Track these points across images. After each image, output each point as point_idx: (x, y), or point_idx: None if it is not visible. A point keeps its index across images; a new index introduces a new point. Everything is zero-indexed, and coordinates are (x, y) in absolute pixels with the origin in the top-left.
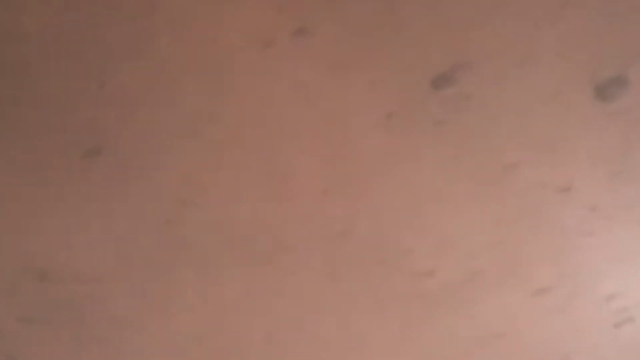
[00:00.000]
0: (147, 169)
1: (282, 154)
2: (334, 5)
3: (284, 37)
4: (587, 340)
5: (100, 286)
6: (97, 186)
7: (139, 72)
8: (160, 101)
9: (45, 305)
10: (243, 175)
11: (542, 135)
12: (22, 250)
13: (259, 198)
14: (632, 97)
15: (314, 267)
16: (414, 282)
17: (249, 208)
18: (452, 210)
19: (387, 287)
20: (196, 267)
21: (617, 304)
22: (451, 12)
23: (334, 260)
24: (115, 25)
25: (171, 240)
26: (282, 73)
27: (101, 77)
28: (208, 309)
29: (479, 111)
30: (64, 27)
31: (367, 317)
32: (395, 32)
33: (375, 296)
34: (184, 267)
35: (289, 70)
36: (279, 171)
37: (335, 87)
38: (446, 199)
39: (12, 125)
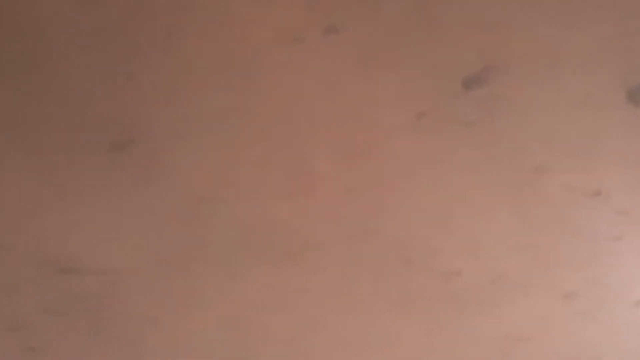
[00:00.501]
0: (172, 164)
1: (309, 151)
2: (365, 4)
3: (314, 34)
4: (617, 345)
5: (122, 280)
6: (122, 180)
7: (167, 67)
8: (187, 96)
9: (66, 298)
10: (269, 173)
11: (573, 139)
12: (46, 242)
13: (284, 196)
14: None
15: (338, 266)
16: (440, 282)
17: (273, 205)
18: (480, 212)
19: (412, 287)
20: (218, 264)
21: None
22: (484, 13)
23: (359, 259)
24: (145, 18)
25: (194, 237)
26: (311, 70)
27: (129, 71)
28: (228, 307)
29: (509, 113)
30: (92, 19)
31: (391, 316)
32: (426, 31)
33: (400, 295)
34: (206, 264)
35: (318, 68)
36: (304, 168)
37: (365, 85)
38: (474, 200)
39: (37, 117)
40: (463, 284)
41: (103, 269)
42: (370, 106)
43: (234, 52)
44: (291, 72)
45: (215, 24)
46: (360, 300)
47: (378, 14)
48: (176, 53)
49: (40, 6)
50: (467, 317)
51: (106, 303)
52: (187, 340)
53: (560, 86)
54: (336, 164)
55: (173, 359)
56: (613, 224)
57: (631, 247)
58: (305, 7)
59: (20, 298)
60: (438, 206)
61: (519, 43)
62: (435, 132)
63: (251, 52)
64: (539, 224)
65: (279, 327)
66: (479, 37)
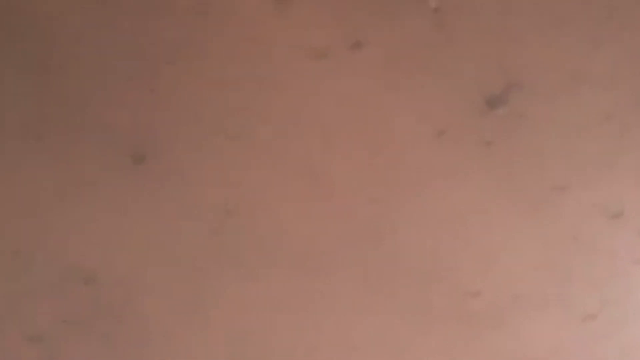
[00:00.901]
0: (193, 176)
1: (330, 164)
2: (391, 21)
3: (339, 49)
4: None
5: (141, 291)
6: (143, 192)
7: (190, 77)
8: (209, 110)
9: (88, 308)
10: (290, 187)
11: (594, 158)
12: (67, 252)
13: (305, 209)
14: None
15: (354, 277)
16: (457, 301)
17: (293, 217)
18: (498, 231)
19: (430, 304)
20: (236, 276)
21: None
22: (507, 32)
23: (374, 271)
24: (167, 33)
25: (215, 249)
26: (334, 85)
27: (151, 84)
28: (248, 320)
29: (530, 131)
30: (117, 28)
31: (406, 331)
32: (450, 49)
33: (416, 312)
34: (224, 275)
35: (342, 83)
36: (325, 182)
37: (387, 101)
38: (493, 218)
39: (60, 126)
40: (482, 302)
41: (123, 279)
42: (391, 121)
43: (258, 66)
44: (314, 87)
45: (239, 38)
46: (379, 317)
47: (402, 31)
48: (199, 67)
49: (66, 20)
50: (485, 336)
51: (126, 314)
52: (204, 350)
53: (582, 104)
54: (356, 178)
55: None
56: (634, 246)
57: None
58: (331, 22)
59: (40, 307)
60: (455, 223)
61: (541, 61)
62: (455, 150)
63: (275, 67)
64: (559, 244)
65: (296, 340)
66: (502, 55)
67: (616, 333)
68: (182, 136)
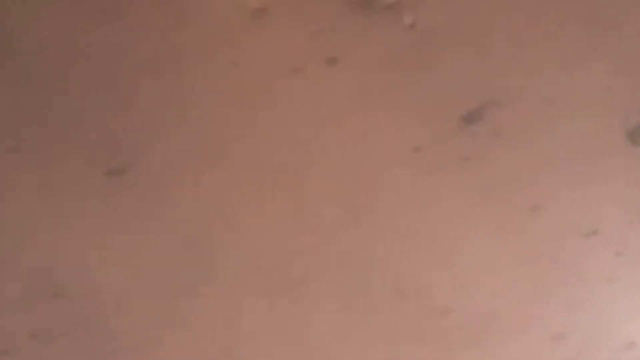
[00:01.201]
0: (169, 192)
1: (306, 180)
2: (366, 37)
3: (314, 65)
4: None
5: (115, 307)
6: (117, 206)
7: (166, 95)
8: (185, 125)
9: (58, 322)
10: (266, 201)
11: (570, 177)
12: (38, 265)
13: (279, 227)
14: None
15: (331, 296)
16: (431, 319)
17: (270, 234)
18: (473, 249)
19: (404, 322)
20: (211, 294)
21: (636, 352)
22: (483, 50)
23: (353, 292)
24: (143, 44)
25: (190, 264)
26: (310, 102)
27: (128, 98)
28: (221, 337)
29: (507, 149)
30: (91, 43)
31: (380, 350)
32: (427, 66)
33: (392, 330)
34: (205, 287)
35: (317, 99)
36: (301, 197)
37: (363, 118)
38: (468, 236)
39: (33, 139)
40: (454, 321)
41: (94, 294)
42: (368, 138)
43: (234, 81)
44: (290, 102)
45: (215, 52)
46: (353, 334)
47: (377, 47)
48: (175, 81)
49: (39, 30)
50: (457, 355)
51: (96, 329)
52: None
53: (559, 124)
54: (332, 196)
55: None
56: (608, 265)
57: (625, 288)
58: (306, 38)
59: (8, 321)
60: (430, 241)
61: (519, 79)
62: (432, 167)
63: (251, 82)
64: (533, 263)
65: (268, 355)
66: (479, 72)
67: (588, 352)
68: (158, 150)
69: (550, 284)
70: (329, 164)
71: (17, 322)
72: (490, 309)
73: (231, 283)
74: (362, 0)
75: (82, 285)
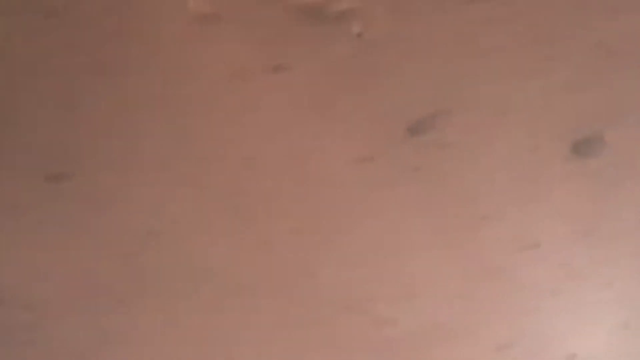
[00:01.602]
0: (110, 199)
1: (252, 191)
2: (313, 46)
3: (261, 72)
4: None
5: (57, 315)
6: (57, 212)
7: (107, 99)
8: (128, 130)
9: None
10: (211, 211)
11: (516, 189)
12: None
13: (222, 236)
14: (609, 158)
15: (274, 309)
16: (376, 330)
17: (212, 245)
18: (418, 260)
19: (347, 333)
20: (156, 302)
21: None
22: (433, 59)
23: (296, 303)
24: (86, 49)
25: (133, 273)
26: (257, 109)
27: (71, 100)
28: (166, 345)
29: (455, 160)
30: (33, 46)
31: None
32: (376, 76)
33: (335, 342)
34: (144, 301)
35: (265, 107)
36: (246, 208)
37: (311, 127)
38: (414, 247)
39: None
40: (399, 331)
41: (33, 303)
42: (315, 148)
43: (178, 87)
44: (235, 110)
45: (159, 57)
46: (296, 347)
47: (325, 55)
48: (120, 86)
49: None
50: None
51: (35, 339)
52: None
53: (506, 135)
54: (277, 207)
55: None
56: (551, 277)
57: (568, 301)
58: (254, 45)
59: None
60: (377, 252)
61: (468, 90)
62: (380, 177)
63: (196, 88)
64: (479, 274)
65: None
66: (428, 82)
67: None
68: (102, 157)
69: (495, 295)
70: (273, 174)
71: None
72: (435, 320)
73: (169, 296)
74: (311, 9)
75: (20, 295)
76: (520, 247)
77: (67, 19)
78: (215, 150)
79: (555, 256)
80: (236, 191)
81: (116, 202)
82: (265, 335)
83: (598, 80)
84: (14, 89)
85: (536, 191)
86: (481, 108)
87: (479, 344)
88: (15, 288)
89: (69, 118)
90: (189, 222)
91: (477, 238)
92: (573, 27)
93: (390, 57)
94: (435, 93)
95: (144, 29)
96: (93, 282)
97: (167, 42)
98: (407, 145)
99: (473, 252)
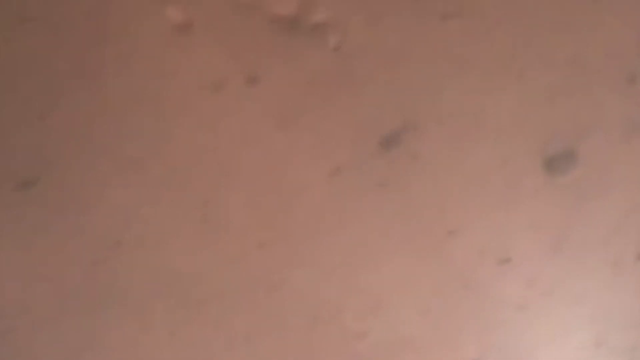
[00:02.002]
0: (81, 206)
1: (222, 200)
2: (288, 58)
3: (234, 83)
4: None
5: (21, 323)
6: (26, 220)
7: (82, 105)
8: (100, 137)
9: None
10: (180, 220)
11: (486, 203)
12: None
13: (194, 244)
14: (580, 172)
15: (243, 320)
16: (345, 343)
17: (182, 254)
18: (389, 273)
19: (316, 346)
20: (126, 310)
21: None
22: (405, 72)
23: (265, 314)
24: (59, 56)
25: (101, 281)
26: (230, 119)
27: (41, 108)
28: (134, 354)
29: (424, 174)
30: (5, 52)
31: None
32: (349, 88)
33: (303, 354)
34: (111, 310)
35: (237, 117)
36: (216, 217)
37: (282, 137)
38: (384, 260)
39: None
40: (368, 344)
41: (3, 310)
42: (286, 158)
43: (152, 93)
44: (209, 120)
45: (132, 64)
46: (264, 358)
47: (300, 68)
48: (93, 93)
49: None
50: None
51: (5, 346)
52: None
53: (477, 150)
54: (247, 217)
55: None
56: (520, 293)
57: (536, 316)
58: (229, 56)
59: None
60: (346, 265)
61: (438, 103)
62: (349, 189)
63: (169, 96)
64: (448, 288)
65: None
66: (399, 96)
67: None
68: (73, 163)
69: (464, 309)
70: (245, 184)
71: None
72: (403, 333)
73: (139, 303)
74: (287, 20)
75: None
76: (490, 261)
77: (44, 23)
78: (187, 158)
79: (525, 270)
80: (207, 200)
81: (84, 210)
82: (233, 347)
83: (571, 94)
84: None
85: (507, 205)
86: (453, 121)
87: (447, 357)
88: None
89: (40, 126)
90: (159, 230)
91: (446, 252)
92: (547, 42)
93: (365, 69)
94: (407, 106)
95: (120, 35)
96: (63, 290)
97: (143, 49)
98: (379, 158)
99: (442, 266)
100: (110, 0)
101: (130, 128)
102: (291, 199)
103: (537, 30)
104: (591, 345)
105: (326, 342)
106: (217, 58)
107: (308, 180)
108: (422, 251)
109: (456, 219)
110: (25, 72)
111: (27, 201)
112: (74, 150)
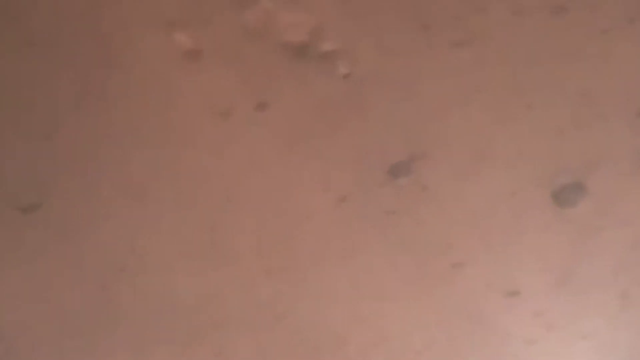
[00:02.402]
0: (84, 230)
1: (228, 227)
2: (298, 84)
3: (244, 109)
4: None
5: (27, 346)
6: (30, 243)
7: (88, 128)
8: (106, 162)
9: None
10: (185, 247)
11: (494, 235)
12: None
13: (199, 271)
14: (589, 205)
15: (246, 348)
16: None
17: (187, 281)
18: (394, 305)
19: None
20: (125, 335)
21: None
22: (414, 101)
23: (268, 343)
24: (68, 80)
25: (104, 308)
26: (238, 145)
27: (45, 131)
28: None
29: (432, 204)
30: (11, 74)
31: None
32: (357, 116)
33: None
34: (113, 334)
35: (245, 143)
36: (222, 245)
37: (290, 164)
38: (389, 292)
39: None
40: None
41: (5, 333)
42: (293, 187)
43: (159, 119)
44: (217, 146)
45: (139, 88)
46: None
47: (309, 94)
48: (100, 119)
49: None
50: None
51: None
52: None
53: (486, 181)
54: (254, 245)
55: None
56: (528, 326)
57: (544, 351)
58: (238, 82)
59: None
60: (351, 295)
61: (447, 135)
62: (356, 218)
63: (177, 122)
64: (454, 321)
65: None
66: (409, 125)
67: None
68: (77, 186)
69: (469, 342)
70: (252, 209)
71: None
72: None
73: (141, 328)
74: (297, 47)
75: None
76: (496, 295)
77: (49, 48)
78: (194, 183)
79: (532, 305)
80: (213, 225)
81: (88, 235)
82: None
83: (580, 126)
84: None
85: (514, 237)
86: (462, 151)
87: None
88: None
89: (46, 147)
90: (164, 256)
91: (452, 283)
92: (557, 73)
93: (374, 97)
94: (416, 135)
95: (127, 60)
96: (64, 313)
97: (151, 74)
98: (386, 186)
99: (448, 298)
100: (118, 25)
101: (135, 153)
102: (298, 226)
103: (547, 61)
104: None
105: None
106: (226, 84)
107: (315, 207)
108: (427, 282)
109: (463, 250)
110: (31, 95)
111: (31, 224)
112: (78, 174)
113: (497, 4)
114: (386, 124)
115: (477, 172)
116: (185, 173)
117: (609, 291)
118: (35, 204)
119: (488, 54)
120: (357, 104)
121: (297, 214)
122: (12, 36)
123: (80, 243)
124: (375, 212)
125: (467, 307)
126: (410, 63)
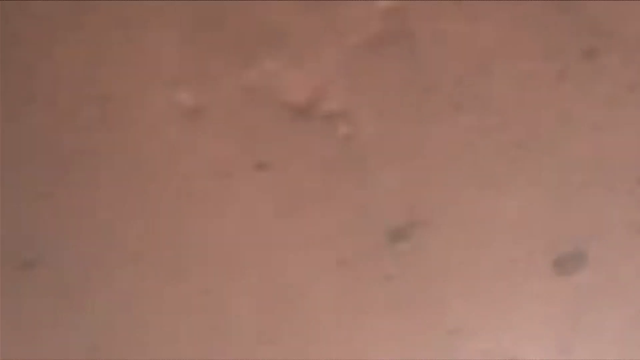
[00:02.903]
0: (80, 290)
1: (224, 291)
2: (298, 144)
3: (243, 169)
4: None
5: None
6: (29, 299)
7: (85, 186)
8: (105, 220)
9: None
10: (180, 310)
11: (493, 303)
12: None
13: (197, 340)
14: (589, 274)
15: None
16: None
17: (182, 346)
18: None
19: None
20: None
21: None
22: (416, 165)
23: None
24: (65, 137)
25: None
26: (236, 207)
27: (44, 188)
28: None
29: (431, 270)
30: (11, 134)
31: None
32: (358, 178)
33: None
34: None
35: (242, 204)
36: (218, 307)
37: (288, 226)
38: (386, 357)
39: None
40: None
41: None
42: (292, 248)
43: (158, 178)
44: (215, 207)
45: (140, 147)
46: None
47: (309, 155)
48: (95, 175)
49: None
50: None
51: None
52: None
53: (486, 247)
54: (251, 307)
55: None
56: None
57: None
58: (238, 141)
59: None
60: (349, 358)
61: (448, 200)
62: (354, 282)
63: (175, 182)
64: None
65: None
66: (409, 189)
67: None
68: (70, 246)
69: None
70: (249, 272)
71: None
72: None
73: None
74: (298, 108)
75: None
76: None
77: (49, 105)
78: (190, 244)
79: None
80: (208, 289)
81: (85, 294)
82: None
83: (581, 194)
84: None
85: (513, 305)
86: (463, 218)
87: None
88: None
89: (43, 206)
90: (160, 317)
91: (451, 351)
92: (557, 140)
93: (375, 160)
94: (417, 200)
95: (126, 119)
96: None
97: (150, 133)
98: (386, 250)
99: None
100: (118, 83)
101: (133, 211)
102: (295, 289)
103: (549, 128)
104: None
105: None
106: (226, 143)
107: (313, 269)
108: (424, 350)
109: (461, 317)
110: (29, 152)
111: (27, 281)
112: (72, 232)
113: (502, 67)
114: (386, 188)
115: (477, 240)
116: (179, 234)
117: None
118: (33, 261)
119: (492, 120)
120: (357, 167)
121: (294, 278)
122: (11, 93)
123: (74, 303)
124: (374, 277)
125: None
126: (412, 126)
